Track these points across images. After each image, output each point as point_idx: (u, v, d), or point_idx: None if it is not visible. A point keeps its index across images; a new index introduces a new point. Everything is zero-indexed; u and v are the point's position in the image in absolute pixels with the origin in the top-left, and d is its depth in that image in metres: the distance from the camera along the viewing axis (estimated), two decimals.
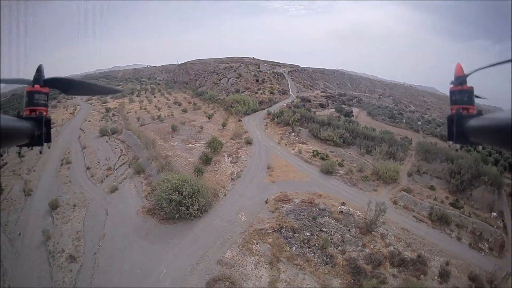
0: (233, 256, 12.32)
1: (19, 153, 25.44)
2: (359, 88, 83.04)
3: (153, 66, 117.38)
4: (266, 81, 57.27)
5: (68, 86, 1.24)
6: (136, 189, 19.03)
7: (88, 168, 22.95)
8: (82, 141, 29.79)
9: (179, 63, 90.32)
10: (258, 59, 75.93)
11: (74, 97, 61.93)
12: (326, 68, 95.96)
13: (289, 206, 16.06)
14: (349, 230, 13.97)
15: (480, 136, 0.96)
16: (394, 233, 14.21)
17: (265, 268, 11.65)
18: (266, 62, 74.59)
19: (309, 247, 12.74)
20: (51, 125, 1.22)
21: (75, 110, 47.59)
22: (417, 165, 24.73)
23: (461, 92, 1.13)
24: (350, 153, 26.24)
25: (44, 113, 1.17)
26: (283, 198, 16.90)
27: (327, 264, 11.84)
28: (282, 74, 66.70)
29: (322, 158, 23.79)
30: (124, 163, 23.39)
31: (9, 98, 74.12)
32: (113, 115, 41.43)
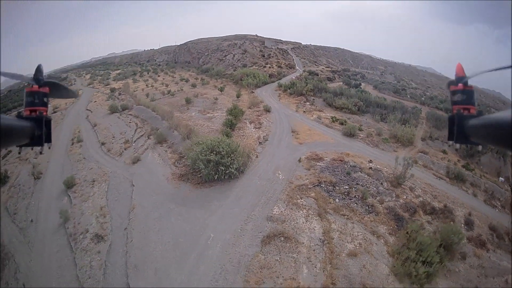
0: (282, 212, 12.22)
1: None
2: (361, 65, 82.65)
3: (151, 49, 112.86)
4: (272, 56, 56.75)
5: (62, 92, 1.34)
6: (161, 158, 18.41)
7: (103, 144, 21.81)
8: (91, 120, 28.45)
9: (178, 44, 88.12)
10: (261, 36, 74.87)
11: (75, 83, 60.81)
12: (327, 46, 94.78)
13: (322, 164, 16.46)
14: (381, 184, 14.66)
15: (481, 136, 0.96)
16: (420, 187, 15.08)
17: (316, 220, 11.75)
18: (269, 39, 73.86)
19: (350, 199, 13.28)
20: (51, 125, 1.23)
21: (78, 94, 45.36)
22: (429, 131, 25.79)
23: (462, 92, 1.13)
24: (366, 120, 27.04)
25: (44, 113, 1.17)
26: (314, 157, 17.25)
27: (370, 213, 12.48)
28: (286, 50, 66.23)
29: (342, 123, 24.39)
30: (142, 135, 22.59)
31: (6, 94, 72.90)
32: (119, 94, 40.07)
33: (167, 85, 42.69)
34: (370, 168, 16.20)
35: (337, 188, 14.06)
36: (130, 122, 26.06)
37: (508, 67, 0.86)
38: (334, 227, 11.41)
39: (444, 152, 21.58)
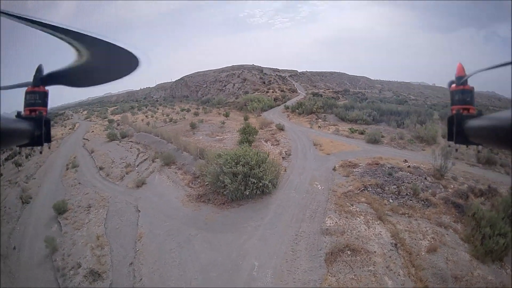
0: (336, 222, 10.17)
1: (16, 163, 22.92)
2: (358, 85, 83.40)
3: (147, 87, 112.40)
4: (273, 82, 56.60)
5: (72, 77, 1.14)
6: (171, 180, 16.09)
7: (101, 168, 19.51)
8: (89, 147, 26.25)
9: (173, 80, 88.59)
10: (258, 66, 75.78)
11: (72, 117, 58.35)
12: (323, 71, 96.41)
13: (359, 169, 14.99)
14: (425, 178, 13.85)
15: (480, 136, 0.92)
16: (460, 175, 14.54)
17: (378, 224, 9.95)
18: (266, 68, 74.58)
19: (403, 197, 12.05)
20: (51, 126, 1.17)
21: (74, 126, 43.40)
22: (446, 129, 25.22)
23: (462, 92, 1.10)
24: (383, 127, 26.00)
25: (44, 113, 1.13)
26: (348, 164, 15.68)
27: (428, 206, 11.39)
28: (285, 77, 66.73)
29: (362, 133, 23.18)
30: (145, 159, 20.37)
31: None
32: (118, 125, 38.02)
33: (168, 115, 41.35)
34: (409, 166, 15.34)
35: (386, 189, 12.74)
36: (131, 148, 24.08)
37: (505, 64, 0.83)
38: (400, 227, 9.82)
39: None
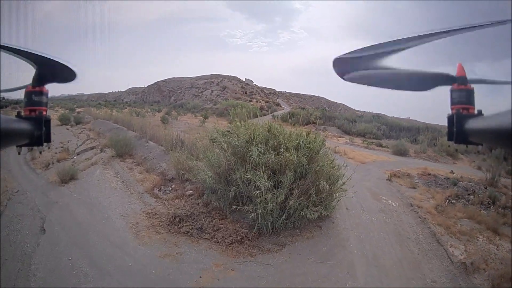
0: (465, 250, 6.27)
1: None
2: (338, 111, 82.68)
3: (118, 91, 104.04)
4: (255, 94, 52.46)
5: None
6: (121, 179, 9.88)
7: (29, 150, 13.69)
8: None
9: (146, 86, 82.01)
10: (239, 78, 71.61)
11: None
12: (301, 93, 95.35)
13: (417, 180, 11.35)
14: (485, 188, 11.71)
15: (480, 136, 0.89)
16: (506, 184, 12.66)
17: (499, 240, 7.06)
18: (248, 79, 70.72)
19: (488, 206, 9.75)
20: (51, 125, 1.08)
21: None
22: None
23: (462, 92, 1.01)
24: (396, 143, 22.47)
25: (44, 113, 1.04)
26: (402, 174, 11.72)
27: None
28: (266, 93, 63.24)
29: (380, 146, 19.59)
30: (93, 148, 14.64)
31: None
32: (78, 113, 31.80)
33: (135, 111, 35.48)
34: (461, 177, 12.91)
35: (472, 197, 10.04)
36: (80, 134, 19.18)
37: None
38: None
39: (484, 160, 19.50)
